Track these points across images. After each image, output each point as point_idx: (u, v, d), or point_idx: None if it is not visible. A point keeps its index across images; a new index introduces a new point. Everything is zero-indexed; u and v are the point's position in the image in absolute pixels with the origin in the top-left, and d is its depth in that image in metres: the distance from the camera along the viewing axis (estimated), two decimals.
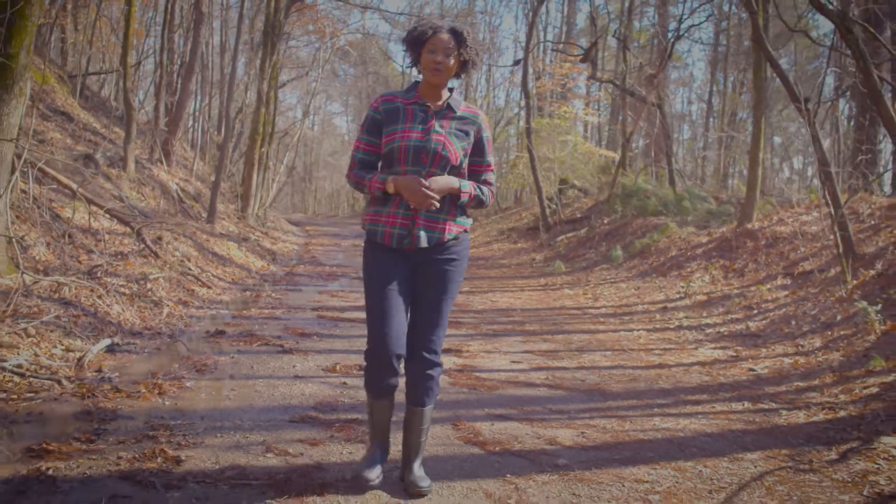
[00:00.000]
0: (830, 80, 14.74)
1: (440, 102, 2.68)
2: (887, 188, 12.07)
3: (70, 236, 7.02)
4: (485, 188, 2.74)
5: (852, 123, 13.66)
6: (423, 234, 2.61)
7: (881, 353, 4.91)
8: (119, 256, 7.15)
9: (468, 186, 2.66)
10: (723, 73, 25.42)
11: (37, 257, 6.17)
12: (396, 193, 2.58)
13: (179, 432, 3.22)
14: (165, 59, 15.67)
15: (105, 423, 3.30)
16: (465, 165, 2.71)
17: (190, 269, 7.87)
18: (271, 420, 3.50)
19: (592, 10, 18.09)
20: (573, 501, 2.67)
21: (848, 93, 10.88)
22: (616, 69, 21.63)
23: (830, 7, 6.46)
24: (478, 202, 2.71)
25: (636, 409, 4.04)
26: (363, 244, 2.75)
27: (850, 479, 3.00)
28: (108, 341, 4.80)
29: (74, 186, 7.22)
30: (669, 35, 16.16)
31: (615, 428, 3.65)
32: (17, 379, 3.82)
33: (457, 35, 2.61)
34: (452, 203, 2.67)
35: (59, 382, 3.87)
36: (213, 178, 17.99)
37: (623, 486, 2.86)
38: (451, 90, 2.73)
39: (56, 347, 4.48)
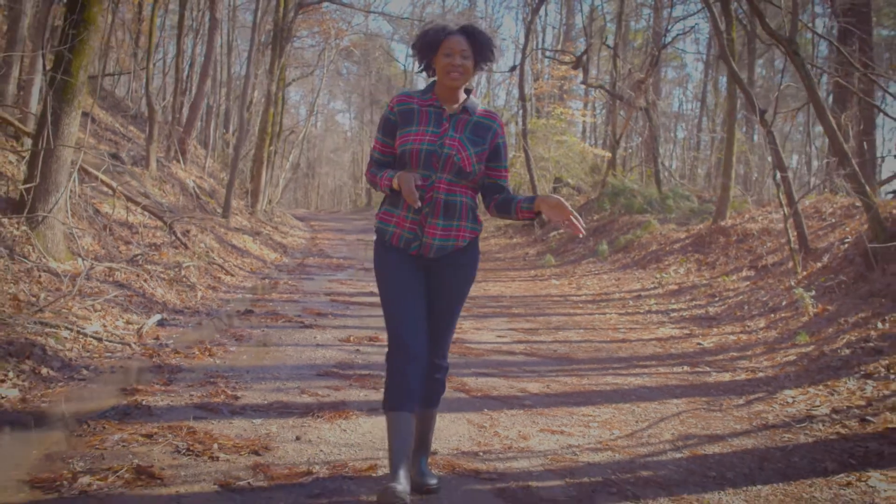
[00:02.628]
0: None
1: (456, 105, 2.60)
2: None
3: (110, 229, 7.94)
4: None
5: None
6: (435, 243, 2.56)
7: (808, 330, 5.84)
8: (153, 247, 8.08)
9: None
10: (714, 73, 26.25)
11: (86, 247, 7.09)
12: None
13: (232, 380, 4.15)
14: (180, 62, 16.53)
15: (174, 374, 4.23)
16: (478, 171, 2.59)
17: (214, 259, 8.81)
18: (302, 374, 4.43)
19: (585, 23, 18.94)
20: (531, 425, 3.60)
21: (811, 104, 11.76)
22: (611, 71, 22.54)
23: (780, 33, 7.37)
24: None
25: (595, 370, 4.97)
26: (374, 243, 2.73)
27: (746, 416, 3.93)
28: (158, 316, 5.73)
29: (115, 185, 8.15)
30: (664, 40, 17.06)
31: (574, 383, 4.58)
32: (95, 342, 4.75)
33: (469, 34, 2.53)
34: (466, 208, 2.60)
35: (129, 346, 4.82)
36: (223, 175, 18.94)
37: (571, 417, 3.79)
38: (467, 92, 2.65)
39: (118, 320, 5.41)
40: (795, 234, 8.30)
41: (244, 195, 18.04)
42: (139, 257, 7.22)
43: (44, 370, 4.03)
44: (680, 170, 27.79)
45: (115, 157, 11.27)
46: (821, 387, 4.45)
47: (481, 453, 3.18)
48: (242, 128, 14.38)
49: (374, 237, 2.70)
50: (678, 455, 3.28)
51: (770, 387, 4.55)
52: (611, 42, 18.66)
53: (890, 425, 3.68)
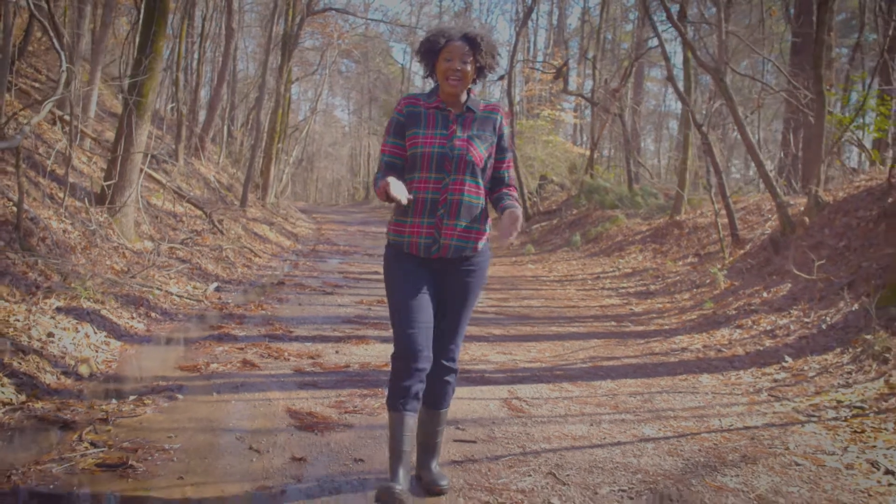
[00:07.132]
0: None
1: (460, 104, 2.67)
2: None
3: (160, 217, 9.65)
4: (515, 193, 2.78)
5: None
6: (453, 243, 2.62)
7: (715, 300, 7.60)
8: (196, 233, 9.79)
9: (518, 209, 2.66)
10: (695, 75, 27.89)
11: (146, 231, 8.81)
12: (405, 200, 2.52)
13: (284, 323, 5.89)
14: (200, 67, 18.19)
15: (241, 319, 5.97)
16: (490, 166, 2.69)
17: (244, 244, 10.52)
18: (331, 321, 6.17)
19: (567, 36, 20.60)
20: (490, 350, 5.36)
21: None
22: (594, 77, 24.28)
23: (711, 62, 9.12)
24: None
25: (545, 323, 6.73)
26: (384, 253, 2.75)
27: (640, 349, 5.69)
28: (215, 284, 7.46)
29: (164, 181, 9.85)
30: (647, 46, 18.80)
31: (527, 330, 6.33)
32: (178, 299, 6.47)
33: (471, 41, 2.59)
34: (479, 209, 2.67)
35: (202, 302, 6.55)
36: (233, 170, 20.62)
37: (519, 347, 5.54)
38: (468, 91, 2.70)
39: (188, 286, 7.14)
40: (729, 226, 10.06)
41: (254, 189, 19.73)
42: (188, 241, 8.94)
43: (153, 314, 5.77)
44: (666, 167, 29.63)
45: (153, 157, 12.95)
46: (704, 334, 6.21)
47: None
48: (259, 128, 16.06)
49: (385, 248, 2.76)
50: (583, 365, 5.04)
51: (668, 334, 6.31)
52: (594, 50, 20.37)
53: (735, 353, 5.45)
